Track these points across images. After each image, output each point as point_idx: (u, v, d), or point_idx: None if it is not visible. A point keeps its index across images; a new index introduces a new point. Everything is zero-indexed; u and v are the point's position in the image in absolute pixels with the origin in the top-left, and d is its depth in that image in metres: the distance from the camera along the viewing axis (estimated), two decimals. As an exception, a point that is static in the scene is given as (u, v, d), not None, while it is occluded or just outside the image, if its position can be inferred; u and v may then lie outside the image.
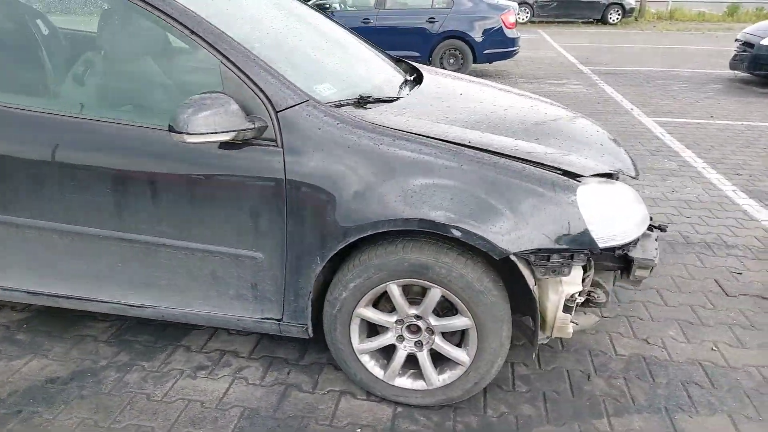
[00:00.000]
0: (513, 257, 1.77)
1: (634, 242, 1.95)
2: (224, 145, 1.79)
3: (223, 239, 1.88)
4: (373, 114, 1.91)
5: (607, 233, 1.82)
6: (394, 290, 1.85)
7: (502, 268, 1.86)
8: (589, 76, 9.00)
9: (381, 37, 8.31)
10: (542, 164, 1.83)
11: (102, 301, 2.09)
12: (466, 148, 1.81)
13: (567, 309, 1.90)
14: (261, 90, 1.77)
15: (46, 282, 2.09)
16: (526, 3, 17.73)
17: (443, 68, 8.24)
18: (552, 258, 1.79)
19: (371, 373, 1.99)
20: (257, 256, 1.88)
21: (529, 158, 1.84)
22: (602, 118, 6.29)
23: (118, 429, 1.89)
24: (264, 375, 2.15)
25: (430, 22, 8.18)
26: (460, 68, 8.33)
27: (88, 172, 1.87)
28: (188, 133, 1.60)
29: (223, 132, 1.66)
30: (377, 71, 2.53)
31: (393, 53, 8.19)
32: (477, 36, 8.17)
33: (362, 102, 2.00)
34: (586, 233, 1.77)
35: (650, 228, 2.20)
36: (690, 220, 3.61)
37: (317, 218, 1.80)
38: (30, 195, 1.93)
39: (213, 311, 2.02)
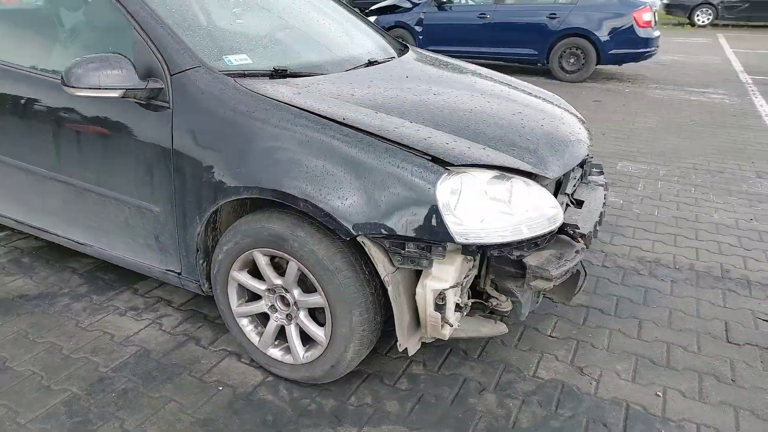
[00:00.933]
0: (364, 240, 1.72)
1: (522, 246, 1.77)
2: (137, 102, 1.98)
3: (128, 189, 2.09)
4: (267, 86, 1.97)
5: (474, 230, 1.68)
6: (259, 258, 1.91)
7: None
8: (744, 85, 7.80)
9: (496, 33, 8.12)
10: (410, 148, 1.74)
11: (57, 235, 2.45)
12: (336, 124, 1.79)
13: (438, 308, 1.79)
14: (161, 54, 1.94)
15: (21, 212, 2.51)
16: (709, 3, 15.76)
17: (562, 69, 7.81)
18: (407, 246, 1.71)
19: (248, 338, 2.07)
20: (154, 209, 2.07)
21: (399, 140, 1.76)
22: (724, 131, 5.47)
23: (38, 342, 2.21)
24: (177, 325, 2.34)
25: (551, 17, 7.75)
26: (581, 69, 7.78)
27: (37, 120, 2.21)
28: (76, 87, 1.83)
29: (109, 89, 1.86)
30: (340, 49, 2.57)
31: (507, 51, 8.00)
32: (603, 34, 7.55)
33: (276, 74, 2.07)
34: (442, 224, 1.65)
35: (574, 238, 1.95)
36: (748, 254, 3.03)
37: (196, 179, 1.92)
38: (5, 137, 2.34)
39: (131, 257, 2.26)
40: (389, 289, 1.75)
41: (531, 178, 1.86)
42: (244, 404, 1.92)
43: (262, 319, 2.08)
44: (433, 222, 1.66)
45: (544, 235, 1.83)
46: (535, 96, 2.54)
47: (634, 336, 2.33)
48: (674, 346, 2.27)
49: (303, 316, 1.93)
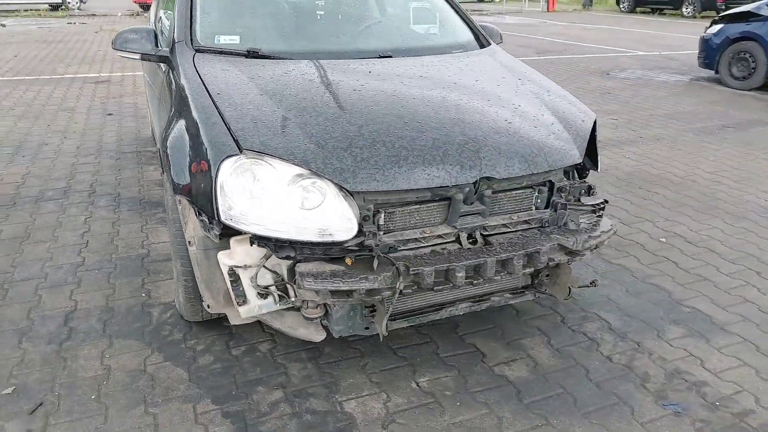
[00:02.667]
0: (180, 199, 2.03)
1: (286, 247, 1.78)
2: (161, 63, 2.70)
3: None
4: (205, 60, 2.38)
5: (241, 216, 1.79)
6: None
7: None
8: None
9: None
10: (228, 127, 1.92)
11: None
12: (207, 96, 2.10)
13: (232, 284, 1.96)
14: (175, 28, 2.58)
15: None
16: None
17: None
18: (200, 215, 1.94)
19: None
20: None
21: (227, 119, 1.95)
22: None
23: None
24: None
25: None
26: None
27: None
28: (115, 49, 2.65)
29: (132, 52, 2.61)
30: (363, 41, 2.75)
31: None
32: None
33: (249, 55, 2.47)
34: (214, 201, 1.82)
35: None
36: None
37: (163, 125, 2.53)
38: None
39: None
40: (190, 249, 2.01)
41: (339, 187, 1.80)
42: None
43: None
44: (210, 197, 1.84)
45: (309, 243, 1.78)
46: (515, 110, 2.19)
47: None
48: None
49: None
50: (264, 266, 1.91)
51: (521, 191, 2.09)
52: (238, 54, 2.47)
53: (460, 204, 1.94)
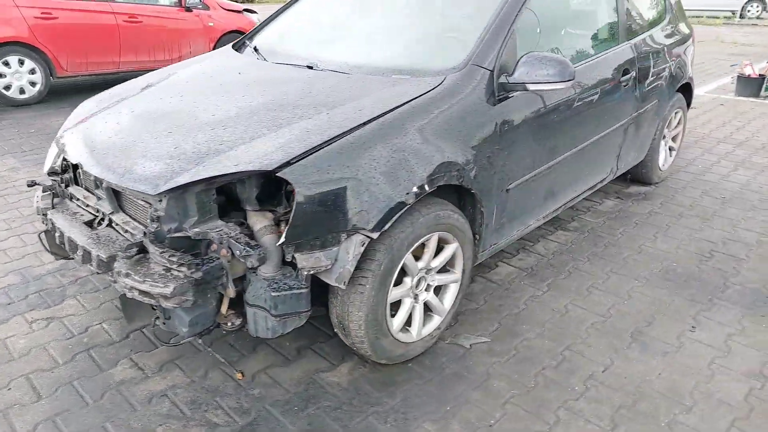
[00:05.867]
0: None
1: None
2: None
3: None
4: (228, 51, 3.25)
5: None
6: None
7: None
8: None
9: None
10: None
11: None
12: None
13: None
14: None
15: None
16: None
17: None
18: None
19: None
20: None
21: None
22: None
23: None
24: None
25: None
26: None
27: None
28: None
29: None
30: (321, 49, 2.90)
31: None
32: None
33: (254, 49, 3.10)
34: None
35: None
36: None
37: None
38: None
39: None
40: None
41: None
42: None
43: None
44: None
45: None
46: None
47: None
48: None
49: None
50: None
51: (142, 203, 2.10)
52: (252, 49, 3.14)
53: (91, 184, 2.30)
